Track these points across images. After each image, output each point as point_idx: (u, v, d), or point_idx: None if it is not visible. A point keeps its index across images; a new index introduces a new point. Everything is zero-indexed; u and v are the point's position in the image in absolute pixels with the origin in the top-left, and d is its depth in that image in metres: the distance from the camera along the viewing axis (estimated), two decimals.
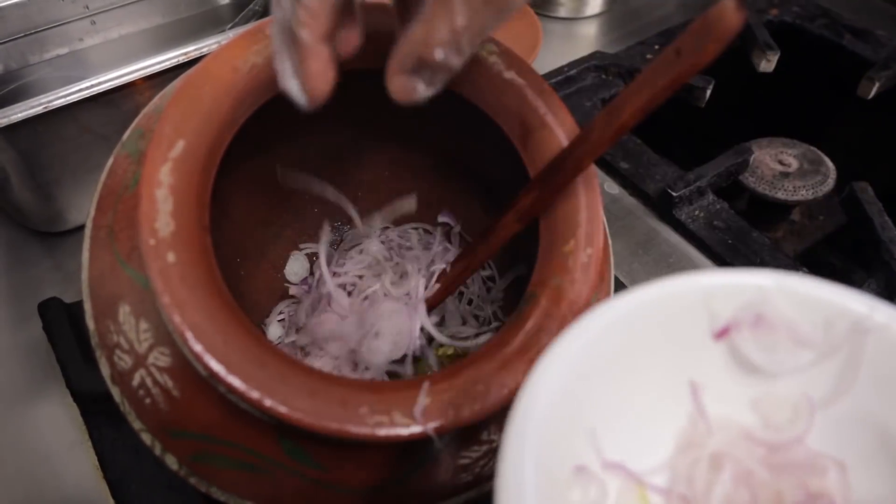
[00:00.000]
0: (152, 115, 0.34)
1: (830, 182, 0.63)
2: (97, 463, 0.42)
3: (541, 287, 0.30)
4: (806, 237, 0.71)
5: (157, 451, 0.31)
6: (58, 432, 0.44)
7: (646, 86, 0.25)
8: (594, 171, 0.31)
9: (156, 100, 0.35)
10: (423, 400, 0.27)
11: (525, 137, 0.32)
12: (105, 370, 0.31)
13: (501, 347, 0.29)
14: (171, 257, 0.26)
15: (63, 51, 0.58)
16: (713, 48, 0.23)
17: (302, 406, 0.26)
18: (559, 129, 0.31)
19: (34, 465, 0.43)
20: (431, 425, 0.26)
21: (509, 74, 0.32)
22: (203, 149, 0.28)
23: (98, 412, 0.43)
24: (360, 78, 0.33)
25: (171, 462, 0.31)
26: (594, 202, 0.31)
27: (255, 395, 0.25)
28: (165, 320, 0.27)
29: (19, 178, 0.49)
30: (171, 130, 0.27)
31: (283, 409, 0.25)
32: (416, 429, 0.26)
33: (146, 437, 0.31)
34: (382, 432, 0.26)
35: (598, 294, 0.35)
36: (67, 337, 0.45)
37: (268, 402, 0.26)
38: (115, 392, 0.31)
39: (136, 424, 0.31)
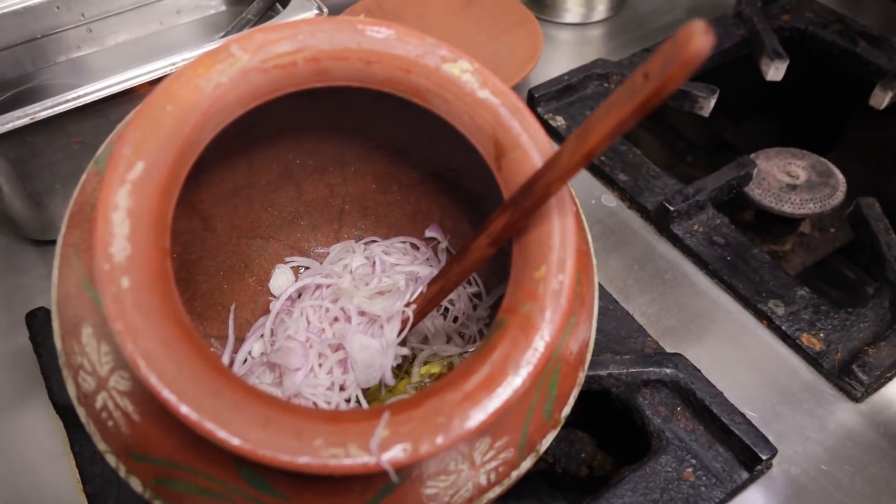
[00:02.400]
0: None
1: (840, 195, 0.61)
2: (78, 475, 0.42)
3: (510, 314, 0.29)
4: (816, 250, 0.69)
5: (122, 473, 0.30)
6: (41, 443, 0.44)
7: (614, 110, 0.24)
8: (568, 195, 0.30)
9: (129, 116, 0.34)
10: (380, 432, 0.26)
11: (499, 158, 0.31)
12: (71, 390, 0.31)
13: (466, 377, 0.28)
14: (125, 282, 0.26)
15: (61, 59, 0.58)
16: (680, 72, 0.22)
17: (255, 437, 0.25)
18: (533, 150, 0.30)
19: (16, 474, 0.43)
20: (388, 459, 0.25)
21: (483, 93, 0.31)
22: (164, 170, 0.27)
23: (80, 425, 0.43)
24: (344, 94, 0.33)
25: (136, 485, 0.30)
26: (567, 227, 0.29)
27: (207, 425, 0.25)
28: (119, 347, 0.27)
29: (10, 186, 0.49)
30: (130, 152, 0.27)
31: (235, 442, 0.25)
32: (371, 463, 0.25)
33: (111, 459, 0.31)
34: (337, 465, 0.25)
35: (576, 318, 0.34)
36: (52, 348, 0.45)
37: (221, 434, 0.25)
38: (81, 413, 0.31)
39: (101, 446, 0.31)
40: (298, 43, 0.30)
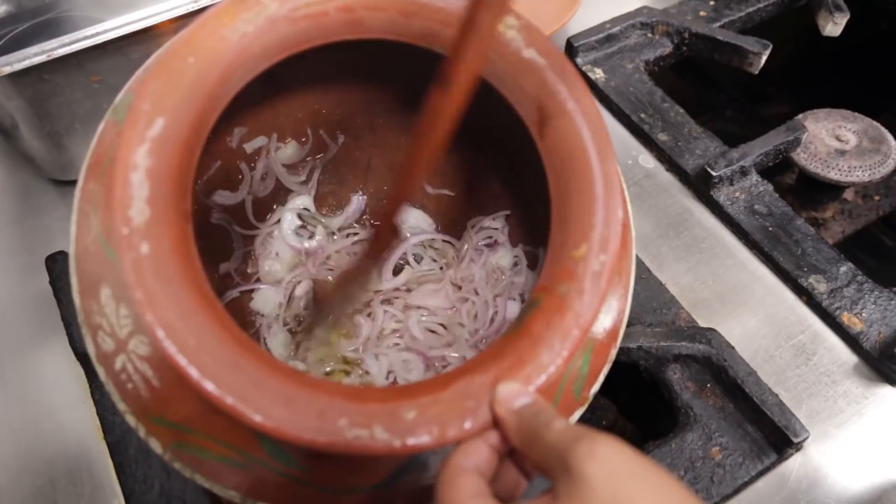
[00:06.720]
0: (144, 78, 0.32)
1: (891, 163, 0.58)
2: (99, 423, 0.42)
3: (545, 294, 0.27)
4: (858, 218, 0.66)
5: (142, 433, 0.30)
6: (62, 388, 0.44)
7: None
8: (616, 168, 0.28)
9: (149, 61, 0.32)
10: (407, 414, 0.25)
11: (542, 125, 0.29)
12: (90, 349, 0.30)
13: (496, 360, 0.26)
14: (144, 248, 0.24)
15: None
16: None
17: (276, 415, 0.24)
18: (581, 119, 0.28)
19: (39, 418, 0.43)
20: (413, 443, 0.24)
21: (529, 52, 0.28)
22: (186, 127, 0.26)
23: None
24: (377, 43, 0.31)
25: (155, 446, 0.30)
26: (612, 203, 0.27)
27: (228, 401, 0.24)
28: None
29: (28, 126, 0.47)
30: (150, 107, 0.25)
31: (257, 418, 0.24)
32: (396, 446, 0.24)
33: (130, 420, 0.30)
34: (361, 447, 0.24)
35: (611, 298, 0.32)
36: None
37: (241, 409, 0.24)
38: (101, 372, 0.30)
39: (121, 406, 0.30)
40: None
